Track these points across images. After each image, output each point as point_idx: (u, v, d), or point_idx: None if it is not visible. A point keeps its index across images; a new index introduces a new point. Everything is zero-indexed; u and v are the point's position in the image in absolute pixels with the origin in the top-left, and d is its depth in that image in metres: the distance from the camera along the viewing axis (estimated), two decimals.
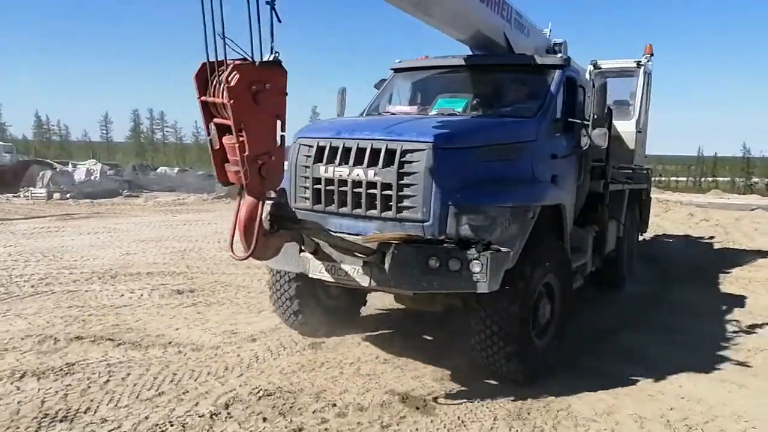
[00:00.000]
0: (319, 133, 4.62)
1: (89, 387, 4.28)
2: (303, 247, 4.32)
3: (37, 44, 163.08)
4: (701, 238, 13.39)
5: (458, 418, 4.00)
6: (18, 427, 3.65)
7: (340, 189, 4.42)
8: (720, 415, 4.20)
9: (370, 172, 4.26)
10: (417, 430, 3.82)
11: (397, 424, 3.89)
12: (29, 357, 4.84)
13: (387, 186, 4.24)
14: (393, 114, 5.71)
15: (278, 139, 3.41)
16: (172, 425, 3.75)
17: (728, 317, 6.78)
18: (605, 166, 6.37)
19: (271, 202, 3.70)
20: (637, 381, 4.73)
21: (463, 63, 5.93)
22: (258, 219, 3.49)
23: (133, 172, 28.83)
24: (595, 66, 8.78)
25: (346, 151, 4.37)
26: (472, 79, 6.05)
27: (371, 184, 4.29)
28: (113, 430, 3.67)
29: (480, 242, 4.04)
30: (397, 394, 4.31)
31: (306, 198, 4.63)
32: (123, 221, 14.31)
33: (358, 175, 4.31)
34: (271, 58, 3.26)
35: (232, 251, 3.71)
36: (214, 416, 3.89)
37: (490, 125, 5.05)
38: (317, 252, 4.34)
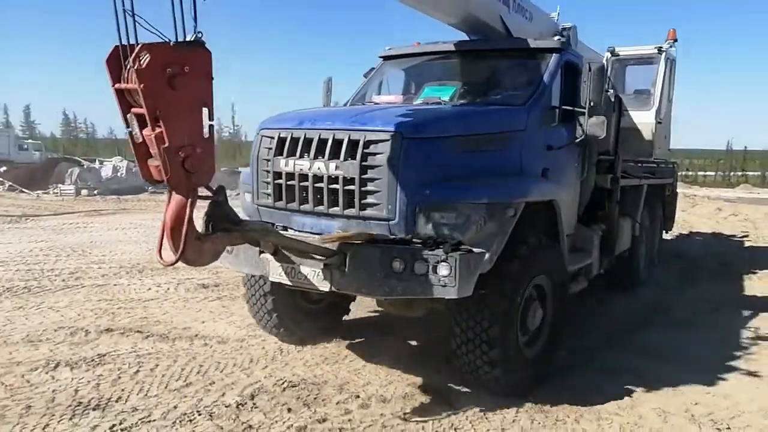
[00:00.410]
0: (281, 124, 4.30)
1: (120, 377, 4.41)
2: (261, 248, 4.07)
3: (64, 42, 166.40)
4: (729, 233, 13.14)
5: (480, 410, 4.02)
6: (53, 415, 3.78)
7: (301, 184, 4.09)
8: (747, 411, 4.16)
9: (332, 165, 3.91)
10: (439, 422, 3.86)
11: (420, 416, 3.93)
12: (62, 348, 5.00)
13: (349, 180, 3.88)
14: (376, 104, 5.38)
15: (206, 129, 3.08)
16: (200, 414, 3.85)
17: (756, 314, 6.66)
18: (613, 158, 5.95)
19: (209, 201, 3.40)
20: (661, 376, 4.69)
21: (453, 49, 5.56)
22: (186, 220, 3.13)
23: None
24: (613, 53, 8.24)
25: (307, 142, 4.04)
26: (464, 65, 5.68)
27: (332, 179, 3.93)
28: (144, 418, 3.78)
29: (448, 242, 3.67)
30: (420, 387, 4.36)
31: (268, 194, 4.32)
32: (149, 217, 14.57)
33: (318, 168, 3.96)
34: (191, 38, 2.92)
35: (160, 256, 3.25)
36: (240, 406, 3.98)
37: (469, 113, 4.68)
38: (277, 253, 4.03)
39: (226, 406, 3.97)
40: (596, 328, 5.99)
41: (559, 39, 5.35)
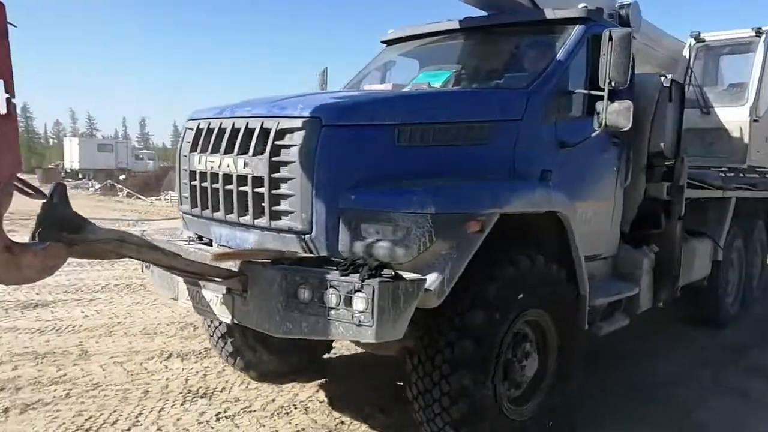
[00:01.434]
0: (204, 114, 3.56)
1: (224, 370, 4.74)
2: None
3: (176, 60, 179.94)
4: None
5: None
6: (167, 400, 4.16)
7: (213, 186, 3.34)
8: None
9: (240, 161, 3.12)
10: None
11: None
12: (174, 341, 5.47)
13: (259, 181, 3.07)
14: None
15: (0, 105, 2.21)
16: (295, 408, 4.07)
17: None
18: (673, 162, 4.67)
19: (42, 203, 2.59)
20: None
21: (459, 27, 4.64)
22: None
23: None
24: (697, 39, 7.00)
25: (221, 134, 3.28)
26: (469, 46, 4.75)
27: (242, 179, 3.14)
28: (245, 408, 4.05)
29: (367, 265, 2.68)
30: None
31: (187, 198, 3.62)
32: None
33: (228, 166, 3.18)
34: None
35: None
36: (333, 403, 4.16)
37: (432, 96, 3.82)
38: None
39: (320, 402, 4.17)
40: (707, 341, 5.72)
41: (584, 7, 4.15)
